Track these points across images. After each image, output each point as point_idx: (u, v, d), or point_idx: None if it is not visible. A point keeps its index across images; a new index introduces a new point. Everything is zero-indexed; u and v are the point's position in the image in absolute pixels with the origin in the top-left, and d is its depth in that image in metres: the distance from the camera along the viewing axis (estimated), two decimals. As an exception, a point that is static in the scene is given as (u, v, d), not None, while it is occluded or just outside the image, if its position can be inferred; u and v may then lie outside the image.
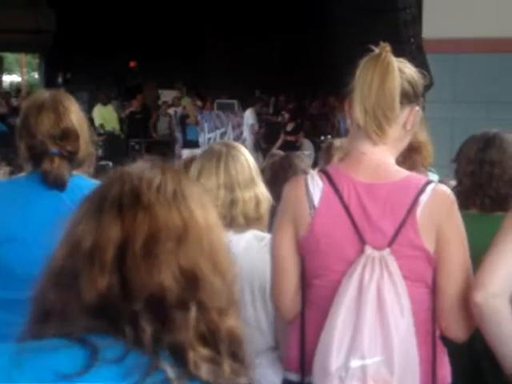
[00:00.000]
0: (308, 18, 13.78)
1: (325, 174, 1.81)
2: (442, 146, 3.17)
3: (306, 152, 9.86)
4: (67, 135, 2.04)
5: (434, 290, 1.77)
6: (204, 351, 0.89)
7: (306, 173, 1.99)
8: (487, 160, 2.40)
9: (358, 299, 1.67)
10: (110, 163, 7.64)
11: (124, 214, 0.91)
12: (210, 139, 12.35)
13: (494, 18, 7.35)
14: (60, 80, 16.52)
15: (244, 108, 13.22)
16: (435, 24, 7.48)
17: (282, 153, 4.67)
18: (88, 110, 12.68)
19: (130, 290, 0.88)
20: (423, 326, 1.75)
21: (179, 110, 13.69)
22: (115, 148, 11.99)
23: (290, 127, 12.04)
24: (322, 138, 11.16)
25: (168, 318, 0.88)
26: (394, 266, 1.70)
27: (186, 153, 10.67)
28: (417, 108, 1.83)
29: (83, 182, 2.08)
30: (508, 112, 7.03)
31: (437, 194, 1.75)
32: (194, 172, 2.20)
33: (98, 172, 2.45)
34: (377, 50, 1.79)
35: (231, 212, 2.11)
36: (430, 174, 3.09)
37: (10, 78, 24.27)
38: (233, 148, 2.24)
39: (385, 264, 1.69)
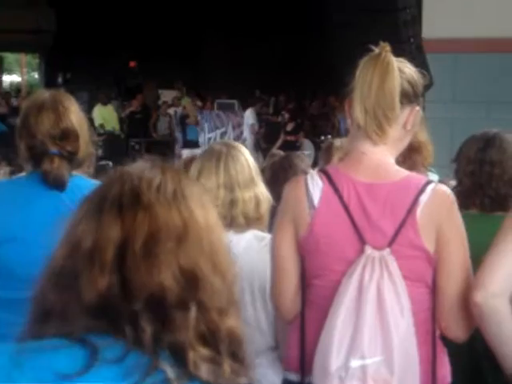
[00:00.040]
0: (308, 19, 13.79)
1: (325, 173, 1.81)
2: (442, 146, 3.17)
3: (306, 152, 9.86)
4: (67, 135, 2.04)
5: (434, 289, 1.77)
6: (204, 351, 0.89)
7: (306, 173, 1.99)
8: (487, 160, 2.40)
9: (357, 299, 1.67)
10: (110, 163, 7.64)
11: (124, 214, 0.91)
12: (210, 139, 12.36)
13: (494, 18, 7.35)
14: (60, 80, 16.52)
15: (244, 108, 13.22)
16: (435, 24, 7.48)
17: (282, 153, 4.67)
18: (88, 109, 12.68)
19: (130, 289, 0.88)
20: (423, 325, 1.75)
21: (179, 109, 13.69)
22: (115, 148, 11.99)
23: (290, 127, 12.04)
24: (322, 137, 11.17)
25: (168, 318, 0.88)
26: (393, 266, 1.70)
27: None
28: (417, 108, 1.83)
29: (83, 182, 2.08)
30: (508, 112, 7.03)
31: (437, 194, 1.75)
32: (194, 172, 2.20)
33: (98, 172, 2.44)
34: (377, 50, 1.78)
35: (231, 212, 2.11)
36: (429, 173, 3.09)
37: (10, 78, 24.27)
38: (233, 148, 2.24)
39: (385, 264, 1.69)
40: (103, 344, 0.87)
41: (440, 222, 1.73)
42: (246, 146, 2.50)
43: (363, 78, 1.77)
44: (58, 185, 2.02)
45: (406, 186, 1.76)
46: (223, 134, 12.69)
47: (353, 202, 1.75)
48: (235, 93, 13.94)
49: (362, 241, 1.73)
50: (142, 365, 0.86)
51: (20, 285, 1.92)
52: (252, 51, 15.09)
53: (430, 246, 1.73)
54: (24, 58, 21.59)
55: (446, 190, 1.80)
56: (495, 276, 1.69)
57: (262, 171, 2.54)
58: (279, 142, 11.61)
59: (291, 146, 10.78)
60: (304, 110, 13.94)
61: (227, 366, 0.91)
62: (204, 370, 0.89)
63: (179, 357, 0.88)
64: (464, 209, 2.06)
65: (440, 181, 2.77)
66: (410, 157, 2.77)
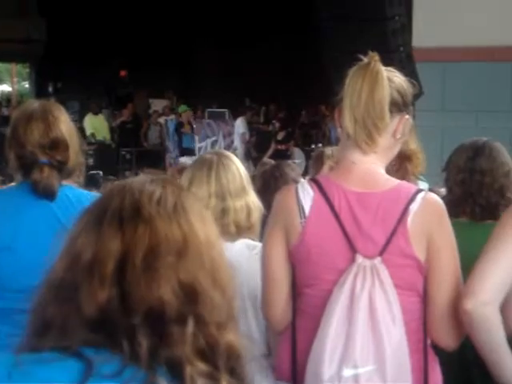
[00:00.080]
0: (297, 28, 13.83)
1: (315, 182, 1.81)
2: (431, 155, 3.18)
3: (297, 161, 9.88)
4: (57, 145, 2.03)
5: (425, 298, 1.77)
6: (202, 366, 0.89)
7: (296, 182, 1.99)
8: (477, 169, 2.42)
9: (349, 308, 1.67)
10: (101, 172, 7.63)
11: (124, 227, 0.91)
12: (200, 148, 12.36)
13: (483, 27, 7.40)
14: (51, 90, 16.49)
15: (235, 117, 13.25)
16: (424, 33, 7.53)
17: (272, 162, 4.67)
18: (79, 119, 12.67)
19: (128, 303, 0.88)
20: (415, 334, 1.75)
21: (169, 118, 13.69)
22: (106, 157, 11.97)
23: (280, 136, 12.06)
24: (313, 146, 11.20)
25: (166, 333, 0.88)
26: (385, 274, 1.70)
27: (183, 160, 10.62)
28: (406, 116, 1.84)
29: (73, 192, 2.07)
30: (497, 121, 7.07)
31: (427, 203, 1.75)
32: (185, 181, 2.20)
33: (89, 181, 2.44)
34: (365, 60, 1.79)
35: (222, 221, 2.11)
36: (419, 182, 3.11)
37: (0, 88, 24.21)
38: (224, 157, 2.24)
39: (376, 273, 1.69)
40: (100, 359, 0.86)
41: (430, 230, 1.74)
42: (237, 155, 2.51)
43: (352, 87, 1.78)
44: (48, 194, 2.01)
45: (396, 194, 1.77)
46: (214, 143, 12.69)
47: (344, 211, 1.75)
48: (225, 102, 13.97)
49: (353, 250, 1.73)
50: (138, 380, 0.86)
51: (10, 295, 1.92)
52: (242, 60, 15.14)
53: (420, 255, 1.73)
54: (14, 67, 21.54)
55: (437, 198, 1.81)
56: (485, 284, 1.70)
57: (253, 180, 2.55)
58: (270, 151, 11.63)
59: (282, 155, 10.81)
60: (295, 118, 13.97)
61: (225, 381, 0.90)
62: None
63: (176, 372, 0.88)
64: (454, 217, 2.07)
65: (430, 189, 2.79)
66: (401, 165, 2.78)
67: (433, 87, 7.10)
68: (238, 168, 2.22)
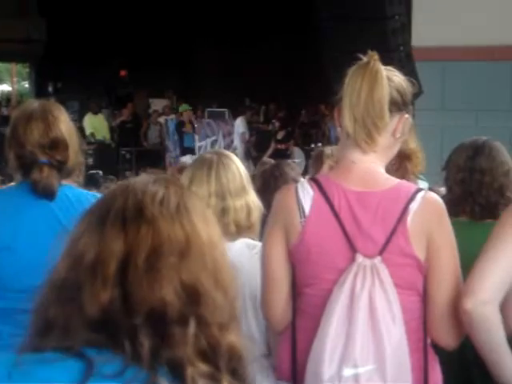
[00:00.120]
0: (297, 27, 13.83)
1: (315, 182, 1.81)
2: (431, 154, 3.18)
3: (297, 160, 9.88)
4: (56, 145, 2.03)
5: (425, 298, 1.77)
6: (203, 367, 0.89)
7: (296, 181, 1.99)
8: (477, 168, 2.42)
9: (349, 307, 1.67)
10: (101, 172, 7.62)
11: (127, 228, 0.91)
12: (200, 147, 12.36)
13: (483, 27, 7.41)
14: (50, 89, 16.49)
15: (234, 116, 13.24)
16: (424, 32, 7.53)
17: (272, 161, 4.68)
18: (79, 119, 12.67)
19: (131, 304, 0.88)
20: (415, 333, 1.75)
21: (169, 118, 13.69)
22: (106, 157, 11.97)
23: (280, 135, 12.06)
24: (313, 146, 11.20)
25: (167, 333, 0.88)
26: (385, 274, 1.70)
27: (185, 159, 10.62)
28: (406, 116, 1.84)
29: (73, 192, 2.07)
30: (496, 120, 7.08)
31: (427, 202, 1.75)
32: (185, 180, 2.20)
33: (88, 181, 2.44)
34: (365, 59, 1.79)
35: (222, 220, 2.11)
36: (419, 181, 3.11)
37: (0, 88, 24.21)
38: (224, 156, 2.24)
39: (376, 272, 1.69)
40: (101, 359, 0.86)
41: (430, 229, 1.74)
42: (237, 155, 2.51)
43: (352, 86, 1.77)
44: (48, 194, 2.01)
45: (396, 194, 1.77)
46: (214, 143, 12.69)
47: (343, 211, 1.75)
48: (225, 101, 13.96)
49: (353, 249, 1.73)
50: (140, 380, 0.86)
51: (11, 295, 1.92)
52: (242, 60, 15.14)
53: (420, 254, 1.73)
54: (14, 67, 21.53)
55: (436, 197, 1.81)
56: (485, 283, 1.70)
57: (253, 179, 2.55)
58: (270, 151, 11.63)
59: (282, 155, 10.82)
60: (294, 118, 13.97)
61: (226, 382, 0.90)
62: None
63: (177, 373, 0.88)
64: (454, 216, 2.07)
65: (430, 188, 2.79)
66: (401, 164, 2.78)
67: (432, 86, 7.11)
68: (237, 167, 2.22)
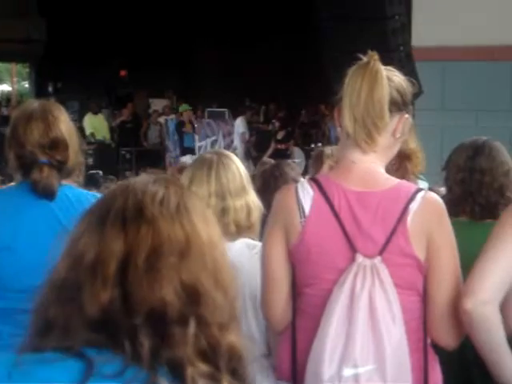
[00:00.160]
0: (297, 27, 13.83)
1: (315, 182, 1.81)
2: (431, 154, 3.18)
3: (297, 160, 9.89)
4: (56, 145, 2.03)
5: (425, 298, 1.77)
6: (203, 367, 0.89)
7: (296, 181, 1.99)
8: (477, 168, 2.42)
9: (349, 307, 1.67)
10: (101, 172, 7.63)
11: (127, 228, 0.91)
12: (200, 147, 12.36)
13: (483, 27, 7.41)
14: (50, 89, 16.49)
15: (234, 116, 13.24)
16: (424, 32, 7.53)
17: (272, 161, 4.68)
18: (79, 119, 12.67)
19: (130, 304, 0.88)
20: (415, 333, 1.75)
21: (169, 118, 13.69)
22: (106, 157, 11.97)
23: (280, 135, 12.06)
24: (313, 146, 11.20)
25: (167, 334, 0.88)
26: (385, 274, 1.70)
27: (186, 159, 10.62)
28: (406, 116, 1.84)
29: (73, 192, 2.07)
30: (496, 120, 7.08)
31: (427, 202, 1.75)
32: (185, 180, 2.20)
33: (88, 181, 2.44)
34: (365, 59, 1.79)
35: (223, 220, 2.11)
36: (419, 181, 3.11)
37: (0, 88, 24.21)
38: (224, 156, 2.24)
39: (376, 272, 1.69)
40: (101, 359, 0.86)
41: (430, 229, 1.74)
42: (237, 155, 2.51)
43: (352, 86, 1.78)
44: (48, 194, 2.01)
45: (396, 194, 1.77)
46: (214, 143, 12.69)
47: (343, 211, 1.75)
48: (225, 101, 13.96)
49: (353, 249, 1.73)
50: (140, 380, 0.86)
51: (12, 295, 1.92)
52: (242, 60, 15.14)
53: (420, 254, 1.73)
54: (14, 67, 21.53)
55: (436, 197, 1.81)
56: (485, 283, 1.70)
57: (253, 179, 2.55)
58: (270, 151, 11.63)
59: (282, 155, 10.82)
60: (294, 118, 13.97)
61: (226, 382, 0.90)
62: None
63: (177, 372, 0.88)
64: (454, 216, 2.07)
65: (429, 188, 2.79)
66: (401, 164, 2.79)
67: (432, 86, 7.11)
68: (238, 167, 2.22)
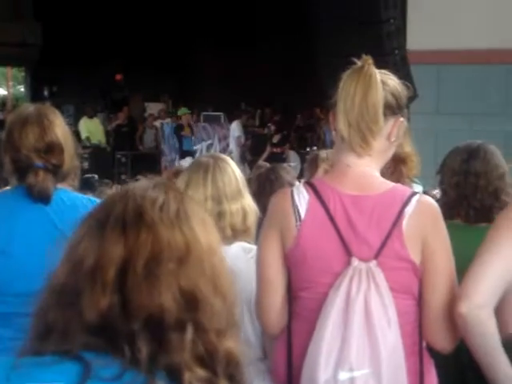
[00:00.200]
0: (293, 31, 13.85)
1: (310, 186, 1.82)
2: (426, 158, 3.19)
3: (292, 164, 9.89)
4: (52, 149, 2.03)
5: (420, 301, 1.78)
6: (201, 372, 0.89)
7: (291, 185, 2.00)
8: (472, 171, 2.42)
9: (345, 311, 1.67)
10: (96, 176, 7.62)
11: (127, 233, 0.91)
12: (196, 151, 12.35)
13: (477, 30, 7.43)
14: (46, 93, 16.46)
15: (230, 120, 13.24)
16: (419, 35, 7.55)
17: (268, 165, 4.67)
18: (74, 123, 12.66)
19: (129, 309, 0.88)
20: (410, 337, 1.75)
21: (165, 122, 13.68)
22: (101, 161, 11.95)
23: (276, 139, 12.07)
24: (308, 149, 11.21)
25: (165, 339, 0.88)
26: (380, 277, 1.70)
27: (185, 162, 10.60)
28: (401, 119, 1.84)
29: (68, 195, 2.07)
30: (491, 124, 7.10)
31: (422, 206, 1.76)
32: (181, 184, 2.20)
33: (84, 185, 2.44)
34: (359, 63, 1.80)
35: (219, 224, 2.11)
36: (414, 185, 3.11)
37: (-5, 92, 24.17)
38: (220, 160, 2.24)
39: (372, 276, 1.70)
40: (100, 362, 0.86)
41: (425, 233, 1.74)
42: (233, 158, 2.51)
43: (346, 91, 1.78)
44: (43, 198, 2.01)
45: (391, 197, 1.77)
46: (209, 147, 12.69)
47: (339, 214, 1.76)
48: (221, 105, 13.97)
49: (349, 253, 1.73)
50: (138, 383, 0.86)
51: (10, 299, 1.92)
52: (238, 64, 15.15)
53: (415, 258, 1.74)
54: (10, 71, 21.49)
55: (431, 201, 1.81)
56: (480, 287, 1.70)
57: (248, 183, 2.55)
58: (265, 154, 11.63)
59: (277, 158, 10.80)
60: (290, 121, 13.98)
61: None
62: None
63: (175, 377, 0.88)
64: (448, 219, 2.07)
65: (424, 192, 2.79)
66: (396, 168, 2.79)
67: (427, 90, 7.13)
68: (233, 171, 2.22)
